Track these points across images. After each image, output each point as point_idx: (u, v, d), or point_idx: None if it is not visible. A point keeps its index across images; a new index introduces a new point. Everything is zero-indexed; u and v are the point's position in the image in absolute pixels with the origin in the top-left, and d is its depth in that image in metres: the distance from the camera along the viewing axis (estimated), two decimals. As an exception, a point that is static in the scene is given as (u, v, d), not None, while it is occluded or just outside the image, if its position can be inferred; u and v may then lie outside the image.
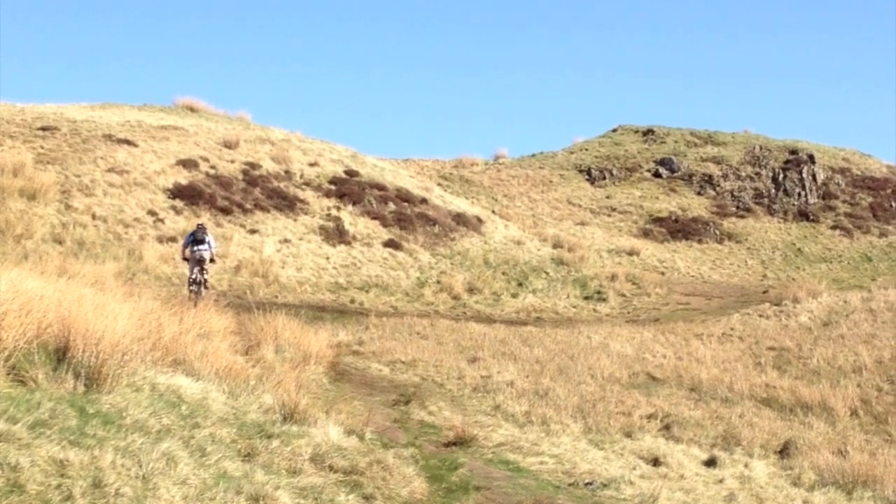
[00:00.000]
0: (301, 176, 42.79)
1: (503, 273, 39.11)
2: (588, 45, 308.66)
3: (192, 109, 51.64)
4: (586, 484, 12.69)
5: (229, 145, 43.34)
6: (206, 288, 25.88)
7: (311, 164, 44.42)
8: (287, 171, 42.65)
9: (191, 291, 25.17)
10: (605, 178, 62.79)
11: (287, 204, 39.40)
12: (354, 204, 41.52)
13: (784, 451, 17.22)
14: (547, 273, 40.05)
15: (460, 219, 43.95)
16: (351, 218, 40.09)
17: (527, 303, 36.15)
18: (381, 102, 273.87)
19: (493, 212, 51.21)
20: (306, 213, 39.34)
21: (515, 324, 32.04)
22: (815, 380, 24.07)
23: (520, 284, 38.04)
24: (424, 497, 10.47)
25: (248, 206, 38.10)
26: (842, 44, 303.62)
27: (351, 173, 44.69)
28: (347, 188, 42.75)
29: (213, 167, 40.39)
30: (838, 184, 64.00)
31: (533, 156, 68.60)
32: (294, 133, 49.31)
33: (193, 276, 25.57)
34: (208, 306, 18.61)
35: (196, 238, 25.72)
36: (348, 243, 37.94)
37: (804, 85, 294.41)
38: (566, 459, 13.93)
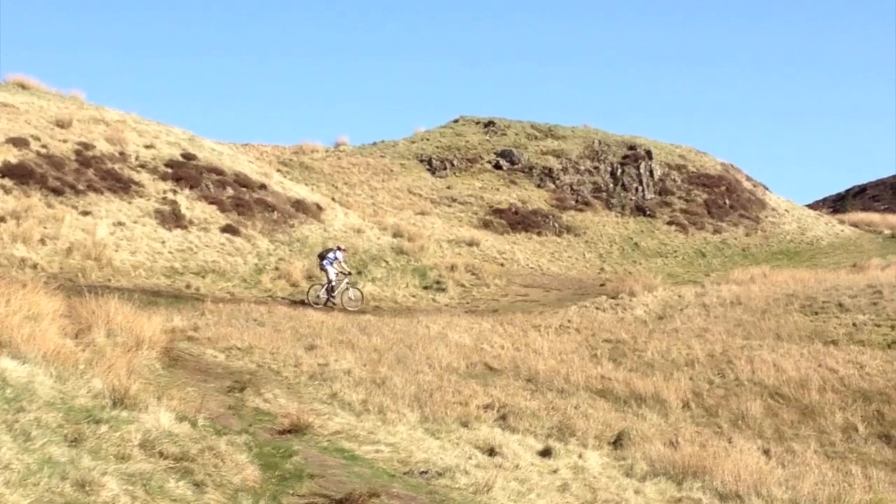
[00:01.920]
0: (136, 158, 41.87)
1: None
2: (430, 35, 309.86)
3: (22, 86, 49.91)
4: (421, 473, 12.60)
5: (62, 124, 42.12)
6: (332, 295, 34.07)
7: (147, 147, 43.50)
8: (122, 153, 41.68)
9: (318, 297, 33.82)
10: (446, 169, 62.90)
11: (122, 186, 38.53)
12: (191, 188, 40.80)
13: (618, 442, 17.36)
14: (387, 262, 39.95)
15: (300, 205, 43.57)
16: (188, 202, 39.39)
17: (366, 291, 35.96)
18: (221, 86, 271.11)
19: (334, 199, 50.91)
20: (141, 196, 38.52)
21: (354, 312, 31.90)
22: (650, 372, 24.35)
23: (359, 273, 37.84)
24: (257, 484, 10.24)
25: (80, 187, 37.12)
26: (680, 41, 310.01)
27: (188, 157, 43.91)
28: (184, 172, 41.99)
29: (44, 146, 39.20)
30: (674, 180, 65.24)
31: (374, 144, 68.43)
32: (130, 114, 48.16)
33: (327, 288, 34.16)
34: (37, 288, 18.10)
35: (321, 255, 34.99)
36: (185, 228, 37.28)
37: (642, 81, 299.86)
38: (402, 448, 13.83)
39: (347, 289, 34.83)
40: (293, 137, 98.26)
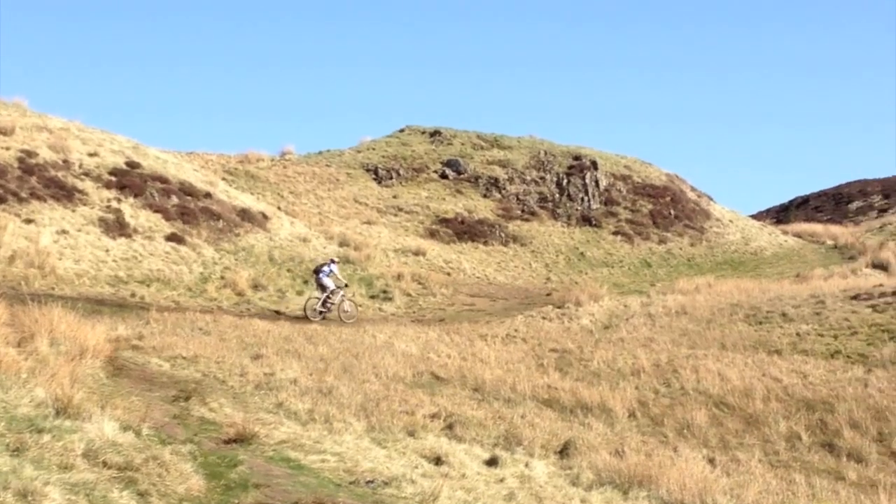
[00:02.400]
0: (80, 166, 41.50)
1: (288, 270, 38.75)
2: (376, 44, 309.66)
3: (-38, 94, 49.41)
4: (367, 482, 12.54)
5: (4, 132, 41.65)
6: (330, 305, 34.63)
7: (91, 154, 43.12)
8: (66, 161, 41.30)
9: (314, 310, 34.20)
10: (392, 178, 62.87)
11: (65, 194, 38.17)
12: (136, 196, 40.49)
13: (564, 452, 17.34)
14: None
15: (245, 214, 43.37)
16: (132, 210, 39.09)
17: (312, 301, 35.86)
18: (166, 94, 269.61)
19: (280, 208, 50.72)
20: (85, 204, 38.18)
21: (300, 321, 31.79)
22: (596, 382, 24.40)
23: (305, 282, 37.70)
24: (201, 494, 10.16)
25: (23, 194, 36.74)
26: (622, 51, 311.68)
27: (133, 165, 43.58)
28: (129, 180, 41.67)
29: (-14, 154, 38.85)
30: (620, 190, 65.57)
31: (320, 153, 68.27)
32: (73, 122, 47.71)
33: (325, 302, 34.57)
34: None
35: (317, 269, 35.62)
36: (129, 236, 36.99)
37: (587, 91, 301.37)
38: (348, 458, 13.76)
39: (343, 301, 35.17)
40: (239, 146, 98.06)
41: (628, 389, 23.73)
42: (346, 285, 36.22)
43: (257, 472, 11.72)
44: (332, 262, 36.34)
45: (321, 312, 34.40)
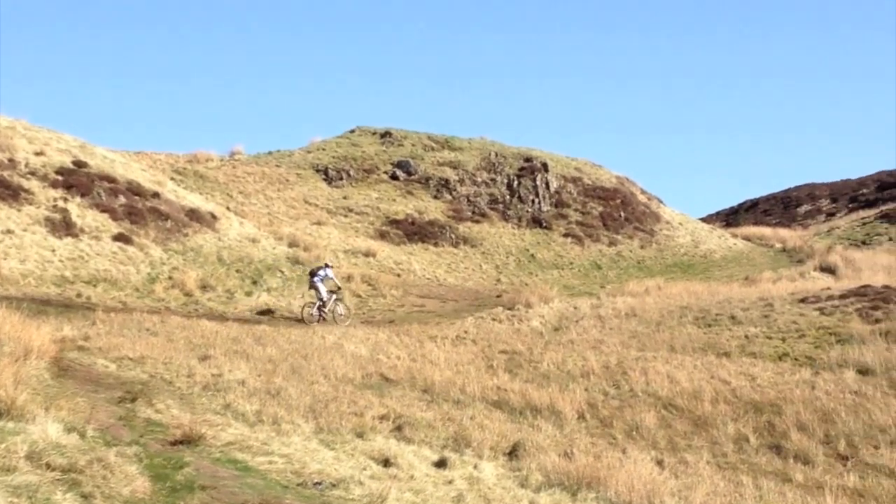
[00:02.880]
0: (26, 165, 41.06)
1: (237, 271, 38.53)
2: (327, 45, 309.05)
3: None
4: (315, 484, 12.47)
5: (-53, 131, 41.26)
6: (324, 310, 35.08)
7: (38, 154, 42.66)
8: (11, 160, 40.85)
9: (310, 315, 34.60)
10: (342, 179, 62.68)
11: (10, 193, 37.74)
12: (83, 196, 40.10)
13: (513, 453, 17.33)
14: (282, 272, 39.66)
15: (194, 214, 43.07)
16: (79, 210, 38.71)
17: (261, 301, 35.72)
18: (114, 93, 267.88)
19: (229, 209, 50.45)
20: (31, 204, 37.77)
21: (249, 322, 31.58)
22: (545, 383, 24.42)
23: (254, 283, 37.55)
24: (147, 496, 10.03)
25: (-33, 194, 36.37)
26: (573, 54, 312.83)
27: (80, 164, 43.17)
28: (76, 179, 41.27)
29: (-71, 153, 38.38)
30: (570, 193, 65.74)
31: (270, 154, 67.96)
32: (19, 120, 47.17)
33: (319, 305, 35.08)
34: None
35: (312, 272, 36.01)
36: (76, 236, 36.63)
37: (538, 93, 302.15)
38: (296, 459, 13.68)
39: (337, 304, 35.74)
40: (187, 146, 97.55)
41: (577, 391, 23.76)
42: (340, 288, 36.82)
43: (204, 474, 11.61)
44: (327, 266, 36.91)
45: (318, 316, 34.88)
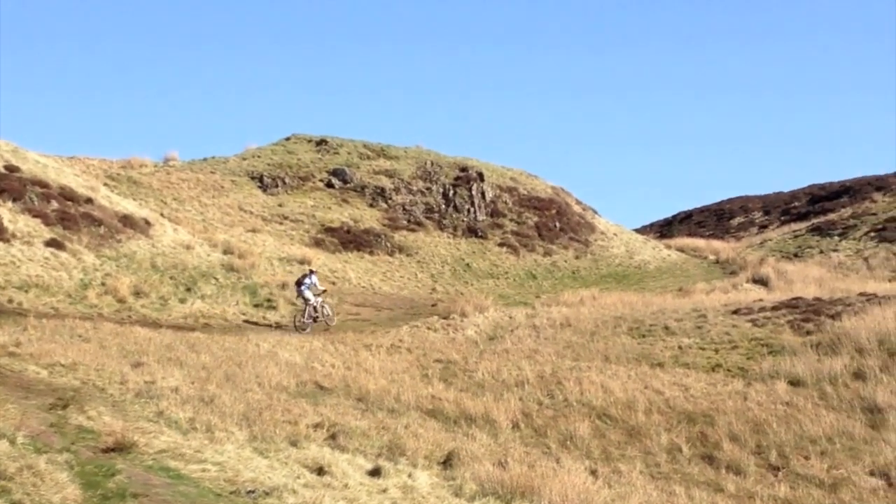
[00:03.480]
0: (-43, 169, 40.55)
1: (171, 277, 38.20)
2: (262, 53, 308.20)
3: None
4: (248, 492, 12.41)
5: None
6: (316, 314, 36.43)
7: (-31, 158, 42.15)
8: (-59, 164, 40.34)
9: (303, 322, 35.79)
10: (277, 186, 62.37)
11: (-60, 198, 37.23)
12: (14, 200, 39.58)
13: (447, 462, 17.35)
14: (216, 279, 39.40)
15: (127, 220, 42.67)
16: (10, 215, 38.20)
17: (195, 308, 35.44)
18: (47, 97, 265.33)
19: (163, 215, 50.03)
20: (-38, 208, 37.29)
21: (183, 329, 31.35)
22: (480, 392, 24.44)
23: (188, 289, 37.27)
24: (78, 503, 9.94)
25: None
26: (508, 68, 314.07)
27: (11, 168, 42.62)
28: (7, 184, 40.71)
29: None
30: (506, 202, 65.86)
31: (205, 160, 67.46)
32: (-50, 124, 46.62)
33: (306, 312, 36.24)
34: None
35: (298, 281, 37.18)
36: (7, 241, 36.13)
37: (474, 103, 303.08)
38: (229, 467, 13.61)
39: (324, 307, 37.12)
40: (121, 151, 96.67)
41: (512, 401, 23.79)
42: (325, 291, 38.44)
43: (136, 482, 11.53)
44: (311, 272, 38.29)
45: (310, 322, 36.08)
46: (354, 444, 17.42)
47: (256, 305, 38.17)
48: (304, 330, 35.06)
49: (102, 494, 10.58)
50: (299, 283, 37.26)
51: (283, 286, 40.21)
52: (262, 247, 48.33)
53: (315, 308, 36.70)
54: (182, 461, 13.52)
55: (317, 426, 18.28)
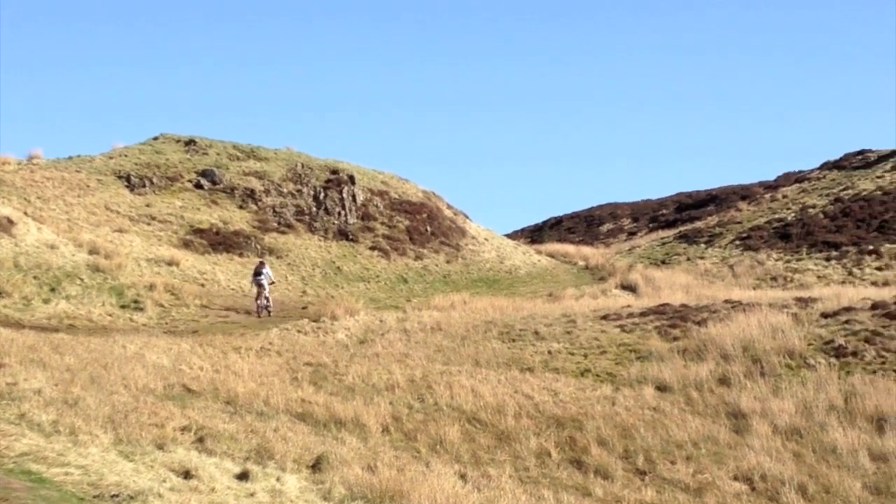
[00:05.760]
0: None
1: (35, 277, 37.41)
2: (130, 49, 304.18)
3: None
4: (112, 496, 12.20)
5: None
6: (269, 303, 40.30)
7: None
8: None
9: (259, 308, 39.85)
10: (145, 186, 61.38)
11: None
12: None
13: (316, 466, 17.27)
14: (82, 279, 38.67)
15: (-10, 219, 41.74)
16: None
17: (60, 309, 34.76)
18: None
19: (26, 213, 48.92)
20: None
21: (47, 330, 30.70)
22: (350, 396, 24.36)
23: (53, 290, 36.54)
24: (-67, 509, 9.63)
25: None
26: (380, 72, 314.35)
27: None
28: None
29: None
30: (377, 206, 65.75)
31: (70, 158, 66.12)
32: None
33: (259, 299, 40.09)
34: None
35: (256, 271, 41.06)
36: None
37: (346, 106, 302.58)
38: (94, 471, 13.35)
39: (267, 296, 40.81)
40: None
41: (382, 404, 23.75)
42: (273, 283, 42.63)
43: (-5, 486, 11.22)
44: (263, 264, 42.43)
45: (264, 307, 39.97)
46: (222, 447, 17.22)
47: (123, 306, 37.54)
48: (261, 314, 39.32)
49: (-40, 499, 10.29)
50: (258, 273, 40.72)
51: (151, 287, 39.63)
52: (129, 247, 47.60)
53: (267, 297, 40.16)
54: (44, 465, 13.24)
55: (184, 429, 18.02)
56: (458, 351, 31.40)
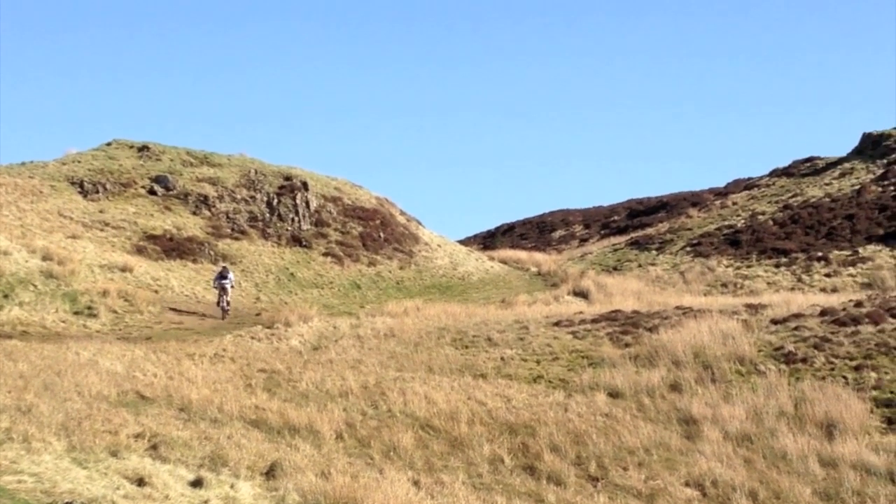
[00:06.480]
0: None
1: (-14, 283, 37.25)
2: (85, 54, 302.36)
3: None
4: (66, 503, 12.22)
5: None
6: (228, 307, 42.31)
7: None
8: None
9: (222, 309, 41.88)
10: (98, 192, 61.06)
11: None
12: None
13: (270, 473, 17.34)
14: (35, 286, 38.50)
15: (-58, 224, 41.47)
16: None
17: (12, 316, 34.60)
18: None
19: (-21, 220, 48.71)
20: None
21: (0, 337, 30.59)
22: (304, 403, 24.39)
23: (6, 296, 36.36)
24: None
25: None
26: (333, 77, 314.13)
27: None
28: None
29: None
30: (330, 212, 65.68)
31: (23, 164, 65.72)
32: None
33: (221, 302, 42.19)
34: None
35: (221, 275, 42.97)
36: None
37: (299, 112, 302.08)
38: (47, 478, 13.38)
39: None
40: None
41: (336, 411, 23.80)
42: (233, 287, 43.95)
43: (-52, 494, 11.25)
44: (225, 267, 44.72)
45: (226, 309, 41.95)
46: (176, 454, 17.26)
47: (77, 313, 37.40)
48: (222, 315, 41.30)
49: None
50: (223, 277, 42.60)
51: (105, 293, 39.49)
52: (82, 253, 47.36)
53: (228, 301, 42.18)
54: (-2, 472, 13.25)
55: (138, 436, 18.05)
56: (412, 357, 31.50)
